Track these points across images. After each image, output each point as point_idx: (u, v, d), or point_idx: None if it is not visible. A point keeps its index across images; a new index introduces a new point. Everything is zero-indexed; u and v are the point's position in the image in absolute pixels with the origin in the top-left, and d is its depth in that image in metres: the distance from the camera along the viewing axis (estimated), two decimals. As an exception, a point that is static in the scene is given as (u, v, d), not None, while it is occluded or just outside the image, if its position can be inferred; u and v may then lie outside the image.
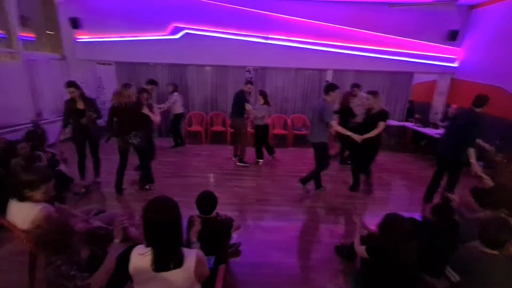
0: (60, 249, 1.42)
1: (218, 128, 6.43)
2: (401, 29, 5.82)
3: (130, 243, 1.75)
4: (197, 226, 1.72)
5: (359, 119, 4.38)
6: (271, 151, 5.19)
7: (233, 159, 5.12)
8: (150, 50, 5.99)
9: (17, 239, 1.96)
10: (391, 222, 1.73)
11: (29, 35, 5.67)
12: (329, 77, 6.29)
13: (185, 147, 5.88)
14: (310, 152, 3.86)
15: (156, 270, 1.26)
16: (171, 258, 1.28)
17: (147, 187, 3.73)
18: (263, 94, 4.77)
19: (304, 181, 3.86)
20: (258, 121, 4.78)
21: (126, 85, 3.41)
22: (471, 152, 2.99)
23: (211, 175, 4.56)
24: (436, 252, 1.85)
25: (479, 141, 3.12)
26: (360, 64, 6.05)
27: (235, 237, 2.55)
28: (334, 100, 3.54)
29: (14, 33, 5.00)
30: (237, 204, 3.51)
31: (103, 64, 6.43)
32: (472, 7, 5.61)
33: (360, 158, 3.90)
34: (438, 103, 6.41)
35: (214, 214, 2.04)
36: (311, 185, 3.94)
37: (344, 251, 2.53)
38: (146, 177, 3.73)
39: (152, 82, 4.57)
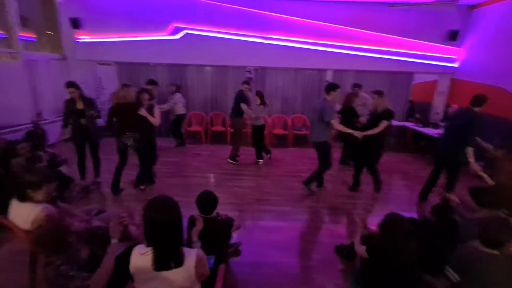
0: (58, 249, 1.42)
1: (218, 128, 6.43)
2: (401, 29, 5.82)
3: (129, 243, 1.75)
4: (199, 226, 1.73)
5: (362, 119, 4.40)
6: (267, 152, 5.20)
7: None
8: (150, 50, 5.99)
9: (18, 239, 1.97)
10: (391, 222, 1.73)
11: (29, 35, 5.67)
12: (329, 77, 6.29)
13: (185, 147, 5.88)
14: (310, 152, 3.87)
15: (157, 269, 1.26)
16: (171, 258, 1.28)
17: (141, 187, 3.72)
18: (259, 94, 4.78)
19: (307, 182, 3.86)
20: (255, 121, 4.78)
21: (125, 86, 3.42)
22: (470, 151, 2.99)
23: (211, 175, 4.56)
24: (436, 252, 1.86)
25: (479, 141, 3.12)
26: (360, 64, 6.05)
27: (235, 237, 2.55)
28: (335, 99, 3.54)
29: (14, 33, 5.01)
30: (237, 204, 3.51)
31: (103, 64, 6.44)
32: (472, 7, 5.61)
33: (362, 158, 3.89)
34: (438, 103, 6.41)
35: (214, 214, 2.05)
36: (313, 186, 3.94)
37: (344, 251, 2.53)
38: (143, 178, 3.73)
39: (152, 82, 4.57)
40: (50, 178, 1.86)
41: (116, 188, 3.61)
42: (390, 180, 4.58)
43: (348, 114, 4.59)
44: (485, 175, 2.70)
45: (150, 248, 1.29)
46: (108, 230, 1.59)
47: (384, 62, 6.01)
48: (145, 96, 3.50)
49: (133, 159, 3.64)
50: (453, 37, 5.77)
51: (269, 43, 5.94)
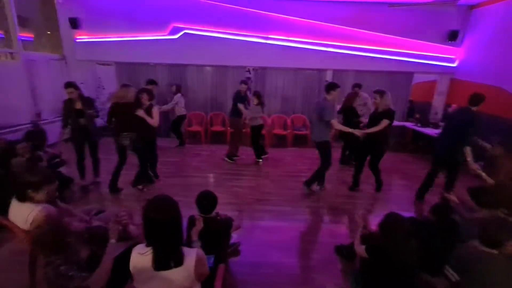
0: (58, 249, 1.41)
1: (217, 128, 6.43)
2: (401, 29, 5.82)
3: (128, 242, 1.75)
4: (198, 226, 1.73)
5: (363, 119, 4.41)
6: (263, 152, 5.20)
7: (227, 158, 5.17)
8: (149, 50, 5.99)
9: (18, 239, 1.96)
10: (391, 221, 1.73)
11: (29, 35, 5.67)
12: (329, 77, 6.29)
13: (185, 147, 5.88)
14: (310, 152, 3.87)
15: (157, 269, 1.27)
16: (171, 257, 1.28)
17: (140, 187, 3.72)
18: (257, 94, 4.78)
19: (308, 183, 3.87)
20: (252, 121, 4.78)
21: (124, 86, 3.42)
22: (468, 150, 3.00)
23: (211, 175, 4.56)
24: (436, 252, 1.86)
25: (479, 140, 3.12)
26: (360, 64, 6.05)
27: (235, 236, 2.55)
28: (335, 99, 3.55)
29: (13, 33, 5.00)
30: (237, 204, 3.51)
31: (103, 64, 6.43)
32: (472, 7, 5.61)
33: (364, 158, 3.89)
34: (438, 103, 6.41)
35: (214, 213, 2.05)
36: (315, 186, 3.94)
37: (344, 251, 2.53)
38: (140, 178, 3.73)
39: (152, 82, 4.58)
40: (51, 178, 1.86)
41: (114, 187, 3.61)
42: (390, 180, 4.58)
43: (349, 114, 4.58)
44: (484, 174, 2.70)
45: (149, 248, 1.29)
46: (106, 230, 1.59)
47: (383, 62, 6.01)
48: (145, 96, 3.49)
49: (133, 159, 3.64)
50: (452, 37, 5.77)
51: (269, 43, 5.94)
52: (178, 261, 1.28)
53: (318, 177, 3.85)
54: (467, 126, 3.05)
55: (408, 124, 6.11)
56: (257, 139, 4.99)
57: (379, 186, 3.94)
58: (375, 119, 3.59)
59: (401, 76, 6.28)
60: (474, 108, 3.09)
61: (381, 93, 3.55)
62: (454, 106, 5.29)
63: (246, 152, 5.22)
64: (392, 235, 1.68)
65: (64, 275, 1.37)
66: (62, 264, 1.39)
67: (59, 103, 3.64)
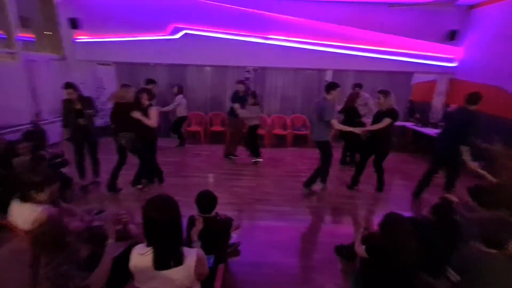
0: (57, 249, 1.41)
1: (217, 128, 6.43)
2: (400, 29, 5.82)
3: (128, 242, 1.75)
4: (198, 225, 1.73)
5: (365, 119, 4.41)
6: (254, 152, 5.15)
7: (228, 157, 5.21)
8: (149, 50, 5.99)
9: (18, 238, 1.96)
10: (391, 221, 1.73)
11: (29, 35, 5.67)
12: (328, 77, 6.29)
13: (185, 147, 5.88)
14: (310, 152, 3.87)
15: (157, 268, 1.27)
16: (171, 257, 1.28)
17: (139, 186, 3.73)
18: (253, 94, 4.78)
19: (308, 183, 3.87)
20: (249, 121, 4.78)
21: (124, 86, 3.43)
22: (465, 150, 3.02)
23: (211, 175, 4.57)
24: (437, 252, 1.85)
25: (477, 141, 3.12)
26: (359, 64, 6.05)
27: (234, 236, 2.55)
28: (335, 98, 3.55)
29: (13, 33, 5.00)
30: (236, 204, 3.51)
31: (103, 64, 6.43)
32: (471, 7, 5.62)
33: (366, 157, 3.90)
34: (438, 103, 6.41)
35: (213, 213, 2.05)
36: (317, 185, 3.94)
37: (344, 251, 2.53)
38: (140, 177, 3.73)
39: (151, 81, 4.60)
40: (53, 179, 1.86)
41: (112, 186, 3.61)
42: (390, 180, 4.58)
43: (351, 114, 4.58)
44: (485, 173, 2.69)
45: (150, 248, 1.29)
46: (105, 229, 1.59)
47: (383, 62, 6.01)
48: (144, 96, 3.48)
49: (133, 159, 3.64)
50: (452, 37, 5.78)
51: (268, 43, 5.94)
52: (178, 261, 1.28)
53: (317, 177, 3.85)
54: (465, 125, 3.06)
55: (408, 124, 6.12)
56: (255, 139, 4.98)
57: (380, 186, 3.94)
58: (378, 118, 3.61)
59: (400, 76, 6.28)
60: (471, 108, 3.10)
61: (385, 93, 3.55)
62: (453, 106, 5.29)
63: (245, 152, 5.22)
64: (392, 235, 1.67)
65: (64, 274, 1.37)
66: (62, 263, 1.39)
67: (59, 103, 3.64)
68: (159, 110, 5.25)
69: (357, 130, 3.54)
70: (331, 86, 3.50)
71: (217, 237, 1.94)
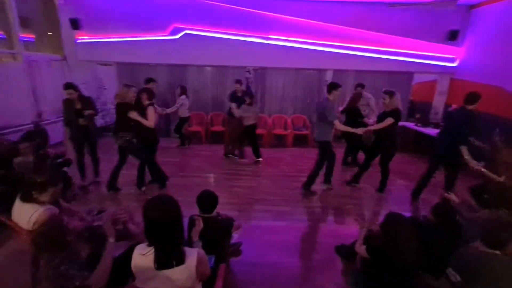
0: (56, 249, 1.42)
1: (218, 128, 6.43)
2: (400, 29, 5.82)
3: (129, 241, 1.76)
4: (199, 226, 1.73)
5: (367, 119, 4.42)
6: (241, 153, 5.17)
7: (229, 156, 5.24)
8: (150, 50, 5.99)
9: (19, 238, 1.97)
10: (392, 221, 1.73)
11: (30, 36, 5.69)
12: (329, 77, 6.29)
13: (185, 147, 5.89)
14: (310, 152, 3.88)
15: (158, 268, 1.27)
16: (172, 257, 1.29)
17: (143, 188, 3.70)
18: (248, 94, 4.79)
19: (307, 185, 3.88)
20: (244, 121, 4.78)
21: (125, 86, 3.43)
22: (464, 149, 3.02)
23: (211, 175, 4.57)
24: (437, 252, 1.85)
25: (475, 141, 3.13)
26: (360, 64, 6.05)
27: (235, 236, 2.55)
28: (336, 99, 3.56)
29: (15, 34, 5.02)
30: (237, 204, 3.52)
31: (104, 64, 6.45)
32: (472, 6, 5.61)
33: (371, 157, 3.93)
34: (438, 103, 6.40)
35: (214, 213, 2.05)
36: (317, 185, 3.95)
37: (344, 251, 2.53)
38: (142, 179, 3.72)
39: (150, 80, 4.62)
40: (56, 180, 1.86)
41: (112, 185, 3.62)
42: (391, 180, 4.57)
43: (353, 114, 4.57)
44: (487, 172, 2.68)
45: (151, 248, 1.30)
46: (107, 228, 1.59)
47: (384, 62, 6.00)
48: (144, 96, 3.48)
49: (135, 159, 3.65)
50: (452, 36, 5.77)
51: (269, 43, 5.95)
52: (180, 260, 1.29)
53: (315, 177, 3.86)
54: (463, 125, 3.06)
55: (408, 124, 6.11)
56: (254, 139, 4.98)
57: (382, 187, 3.94)
58: (381, 118, 3.63)
59: (401, 76, 6.27)
60: (470, 107, 3.10)
61: (390, 93, 3.56)
62: (454, 106, 5.28)
63: (245, 152, 5.23)
64: (392, 235, 1.68)
65: (64, 274, 1.37)
66: (61, 263, 1.39)
67: (60, 103, 3.66)
68: (164, 111, 5.32)
69: (359, 131, 3.55)
70: (333, 86, 3.51)
71: (217, 237, 1.95)
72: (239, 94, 4.89)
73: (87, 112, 3.50)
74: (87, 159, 3.82)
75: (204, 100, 6.59)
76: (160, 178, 3.85)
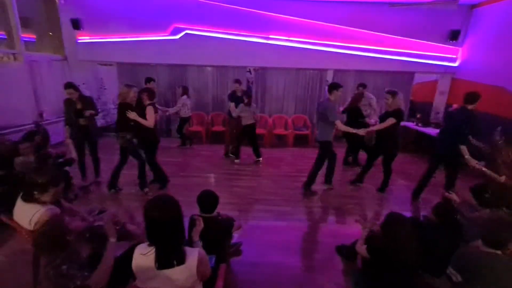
0: (57, 249, 1.42)
1: (218, 128, 6.44)
2: (401, 29, 5.81)
3: (130, 241, 1.76)
4: (199, 226, 1.74)
5: (368, 119, 4.41)
6: (235, 153, 5.13)
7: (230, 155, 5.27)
8: (151, 50, 6.00)
9: (20, 238, 1.98)
10: (392, 222, 1.73)
11: (31, 36, 5.70)
12: (329, 77, 6.29)
13: (186, 147, 5.90)
14: (311, 152, 3.88)
15: (159, 268, 1.27)
16: (173, 256, 1.29)
17: (145, 190, 3.68)
18: (246, 94, 4.78)
19: (307, 185, 3.88)
20: (243, 120, 4.77)
21: (126, 86, 3.43)
22: (463, 148, 3.02)
23: (212, 175, 4.57)
24: (438, 252, 1.85)
25: (473, 141, 3.13)
26: (360, 64, 6.04)
27: (236, 236, 2.56)
28: (337, 99, 3.56)
29: (16, 34, 5.03)
30: (237, 204, 3.52)
31: (105, 65, 6.46)
32: (473, 6, 5.60)
33: (374, 157, 3.94)
34: (439, 103, 6.39)
35: (215, 213, 2.06)
36: (318, 185, 3.95)
37: (345, 251, 2.53)
38: (143, 180, 3.70)
39: (150, 79, 4.64)
40: (58, 180, 1.87)
41: (112, 185, 3.62)
42: (391, 180, 4.57)
43: (354, 114, 4.57)
44: (488, 171, 2.67)
45: (152, 248, 1.30)
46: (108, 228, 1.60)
47: (384, 62, 6.00)
48: (145, 96, 3.49)
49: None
50: (454, 36, 5.76)
51: (269, 43, 5.95)
52: (180, 260, 1.29)
53: (315, 177, 3.87)
54: (464, 125, 3.07)
55: (409, 124, 6.10)
56: (253, 139, 4.96)
57: (383, 187, 3.94)
58: (383, 118, 3.63)
59: (402, 76, 6.26)
60: (470, 107, 3.10)
61: (393, 93, 3.56)
62: (455, 105, 5.27)
63: (246, 152, 5.23)
64: (392, 235, 1.67)
65: (65, 274, 1.38)
66: (62, 263, 1.39)
67: (61, 103, 3.67)
68: (167, 112, 5.33)
69: (361, 132, 3.55)
70: (334, 87, 3.51)
71: (218, 237, 1.95)
72: (239, 94, 4.88)
73: (88, 113, 3.51)
74: (88, 159, 3.83)
75: (205, 100, 6.60)
76: (161, 178, 3.85)
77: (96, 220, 2.12)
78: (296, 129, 6.33)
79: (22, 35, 5.15)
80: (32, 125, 4.60)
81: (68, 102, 3.50)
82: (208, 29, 5.89)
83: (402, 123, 6.21)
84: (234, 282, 2.24)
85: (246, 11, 5.81)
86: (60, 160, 3.51)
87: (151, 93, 3.59)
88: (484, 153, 2.86)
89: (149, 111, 3.39)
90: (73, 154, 3.42)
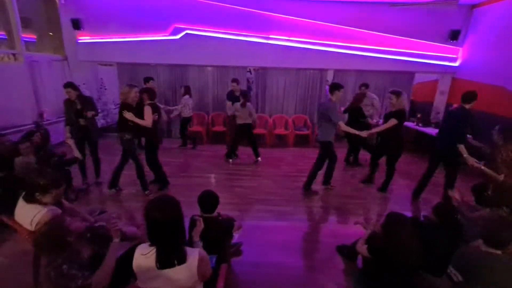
0: (57, 249, 1.42)
1: (219, 128, 6.44)
2: (402, 29, 5.80)
3: (131, 242, 1.76)
4: (200, 226, 1.74)
5: (370, 119, 4.41)
6: (231, 154, 5.11)
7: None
8: (151, 50, 6.00)
9: (21, 238, 1.98)
10: (392, 221, 1.73)
11: (31, 36, 5.71)
12: (329, 77, 6.29)
13: (186, 148, 5.90)
14: (311, 152, 3.88)
15: (160, 267, 1.28)
16: (173, 256, 1.29)
17: (146, 192, 3.67)
18: (243, 94, 4.77)
19: (307, 185, 3.88)
20: (237, 120, 4.76)
21: (127, 86, 3.43)
22: (461, 147, 3.03)
23: (212, 175, 4.57)
24: (438, 252, 1.85)
25: (471, 141, 3.13)
26: (361, 64, 6.04)
27: (236, 236, 2.56)
28: (338, 99, 3.57)
29: (16, 34, 5.03)
30: (238, 204, 3.52)
31: (105, 65, 6.46)
32: (473, 6, 5.59)
33: (377, 157, 3.96)
34: (439, 103, 6.39)
35: (215, 213, 2.06)
36: (318, 185, 3.94)
37: (346, 251, 2.53)
38: (145, 181, 3.68)
39: (149, 79, 4.64)
40: (59, 182, 1.87)
41: (113, 184, 3.62)
42: (392, 180, 4.57)
43: (356, 114, 4.56)
44: (488, 170, 2.67)
45: (153, 248, 1.30)
46: (107, 229, 1.60)
47: (385, 62, 5.99)
48: (145, 96, 3.48)
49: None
50: (454, 36, 5.75)
51: (269, 43, 5.95)
52: (181, 260, 1.29)
53: (314, 177, 3.87)
54: (462, 123, 3.08)
55: (409, 124, 6.09)
56: (251, 139, 4.94)
57: (384, 187, 3.94)
58: (387, 119, 3.64)
59: (402, 76, 6.26)
60: (467, 106, 3.11)
61: (397, 93, 3.56)
62: (455, 105, 5.27)
63: (245, 152, 5.23)
64: (393, 235, 1.67)
65: (66, 274, 1.38)
66: (63, 263, 1.40)
67: (61, 104, 3.67)
68: (170, 110, 5.32)
69: (363, 133, 3.55)
70: (335, 87, 3.51)
71: (218, 237, 1.95)
72: (237, 94, 4.87)
73: (90, 114, 3.51)
74: (88, 160, 3.83)
75: (205, 100, 6.60)
76: (161, 179, 3.84)
77: (97, 221, 2.12)
78: (296, 129, 6.33)
79: (23, 35, 5.15)
80: (32, 125, 4.61)
81: (68, 103, 3.50)
82: (208, 29, 5.89)
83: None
84: (235, 282, 2.24)
85: (246, 11, 5.81)
86: (64, 158, 3.51)
87: (151, 93, 3.58)
88: (483, 152, 2.85)
89: (147, 110, 3.36)
90: (76, 153, 3.41)
